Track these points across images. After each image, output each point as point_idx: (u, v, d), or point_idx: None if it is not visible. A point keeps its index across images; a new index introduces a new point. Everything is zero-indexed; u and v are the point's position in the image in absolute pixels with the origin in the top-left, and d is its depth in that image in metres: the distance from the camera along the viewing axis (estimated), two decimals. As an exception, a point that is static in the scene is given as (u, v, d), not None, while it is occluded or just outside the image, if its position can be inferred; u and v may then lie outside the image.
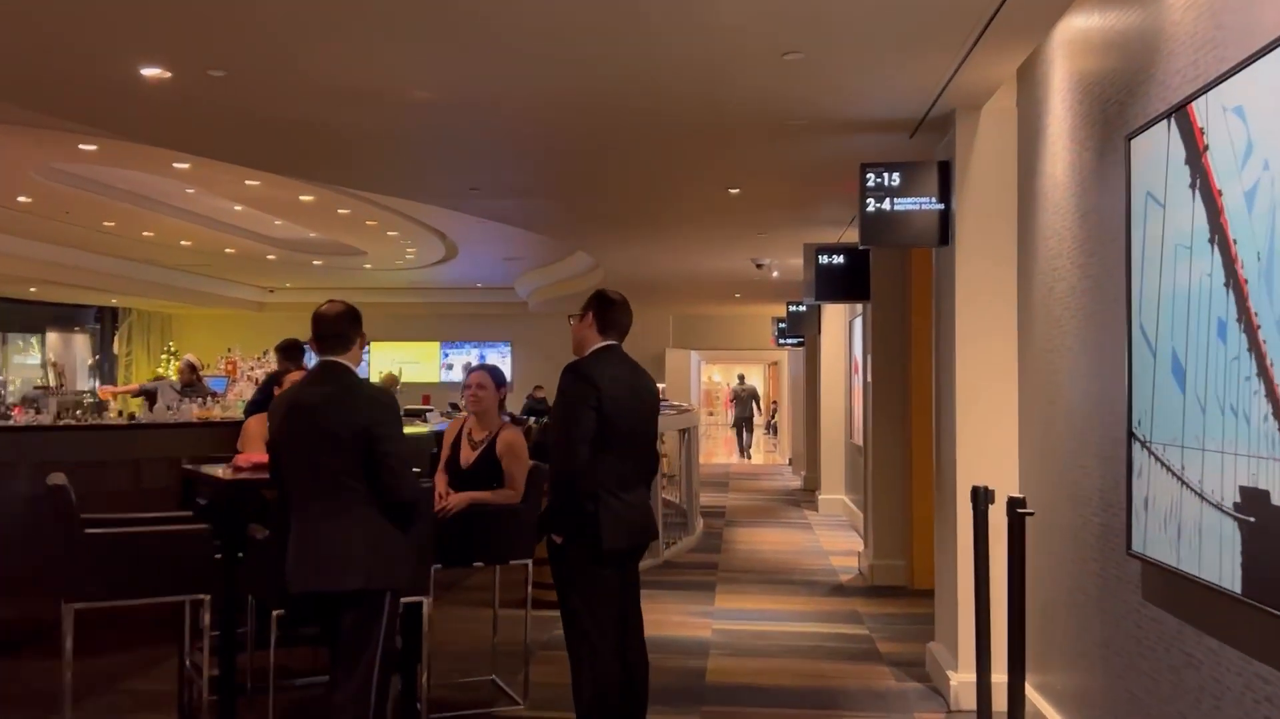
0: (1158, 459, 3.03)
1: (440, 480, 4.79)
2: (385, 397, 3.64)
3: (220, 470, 4.33)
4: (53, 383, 11.11)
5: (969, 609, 4.57)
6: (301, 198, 9.91)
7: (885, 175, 5.14)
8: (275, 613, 3.77)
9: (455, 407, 12.74)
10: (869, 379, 8.16)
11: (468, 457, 4.80)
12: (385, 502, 3.41)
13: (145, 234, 12.18)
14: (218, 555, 4.06)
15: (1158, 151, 3.02)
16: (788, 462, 20.16)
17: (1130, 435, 3.22)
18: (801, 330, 12.86)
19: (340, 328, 3.66)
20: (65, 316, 18.15)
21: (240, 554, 4.07)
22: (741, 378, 24.79)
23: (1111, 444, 3.52)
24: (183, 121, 5.15)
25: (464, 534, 4.68)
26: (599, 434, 3.62)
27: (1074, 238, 3.97)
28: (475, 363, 18.85)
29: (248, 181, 9.10)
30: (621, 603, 3.83)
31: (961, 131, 4.96)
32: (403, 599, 3.69)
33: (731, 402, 25.96)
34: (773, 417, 32.61)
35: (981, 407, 4.88)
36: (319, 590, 3.37)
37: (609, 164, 6.37)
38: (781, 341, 15.61)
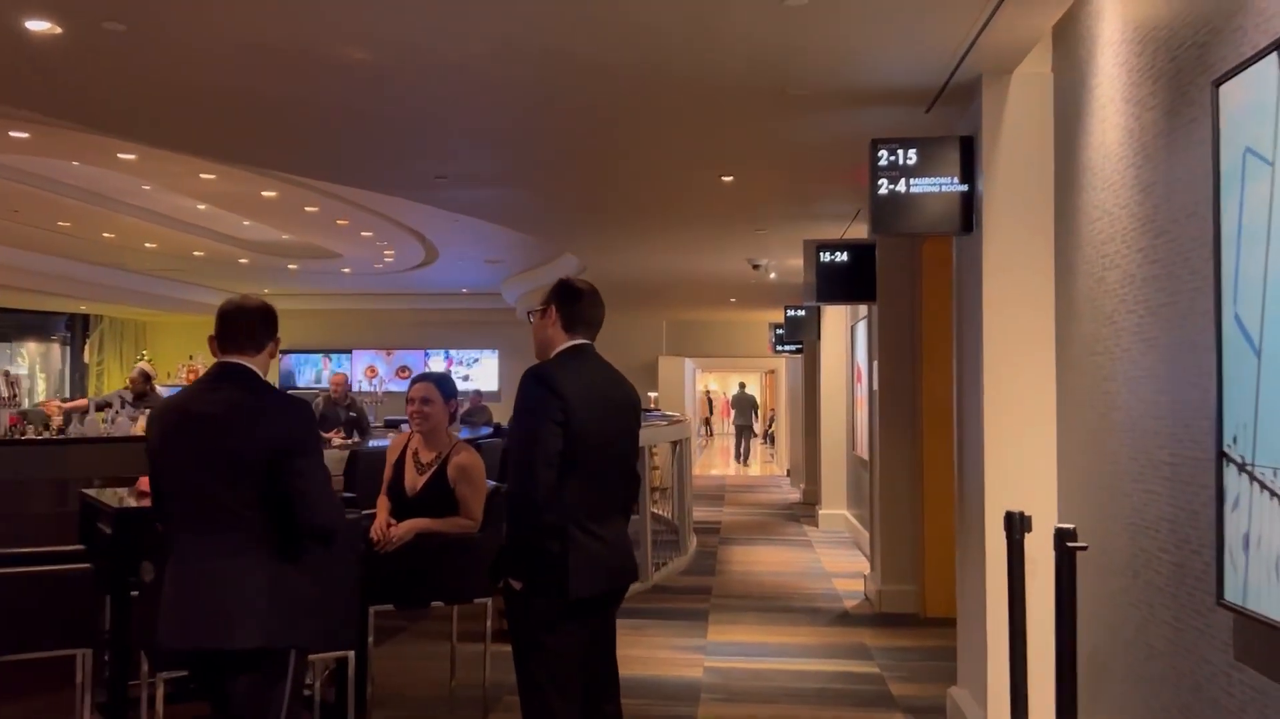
0: (1265, 487, 2.36)
1: (382, 508, 4.12)
2: (303, 407, 2.97)
3: (117, 495, 3.65)
4: (4, 393, 10.42)
5: (1000, 653, 3.91)
6: (264, 194, 9.24)
7: (900, 152, 4.48)
8: (161, 676, 3.09)
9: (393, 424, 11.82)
10: (875, 387, 7.51)
11: (414, 482, 4.13)
12: (300, 534, 2.75)
13: (105, 235, 11.51)
14: (112, 597, 3.39)
15: (1262, 95, 2.36)
16: (785, 473, 19.48)
17: (1221, 456, 2.55)
18: (800, 336, 12.20)
19: (252, 325, 2.98)
20: (35, 325, 17.46)
21: (134, 595, 3.40)
22: (742, 385, 24.96)
23: (1189, 466, 2.85)
24: (80, 88, 4.45)
25: (414, 570, 4.02)
26: (566, 455, 2.96)
27: (1132, 216, 3.31)
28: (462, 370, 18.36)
29: (203, 175, 8.43)
30: (592, 660, 3.14)
31: (989, 101, 4.30)
32: (327, 654, 3.02)
33: (731, 408, 26.46)
34: (770, 426, 31.97)
35: (1013, 418, 4.21)
36: (202, 648, 2.70)
37: (587, 144, 5.70)
38: (779, 348, 14.95)
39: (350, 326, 18.21)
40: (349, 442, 8.60)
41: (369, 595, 3.83)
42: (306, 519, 2.74)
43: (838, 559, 9.40)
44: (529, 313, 3.32)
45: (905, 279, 7.25)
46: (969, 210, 4.48)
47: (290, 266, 13.83)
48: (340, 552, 3.08)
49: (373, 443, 8.40)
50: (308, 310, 17.97)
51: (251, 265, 13.71)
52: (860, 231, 7.86)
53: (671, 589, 7.91)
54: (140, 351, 16.75)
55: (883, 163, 4.49)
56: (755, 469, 22.87)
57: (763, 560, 9.33)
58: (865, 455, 9.43)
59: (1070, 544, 3.25)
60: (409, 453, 4.20)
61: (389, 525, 3.96)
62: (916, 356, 7.12)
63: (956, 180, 4.47)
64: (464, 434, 13.41)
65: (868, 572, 7.77)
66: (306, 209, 10.23)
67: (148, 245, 12.20)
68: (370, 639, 3.96)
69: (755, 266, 9.86)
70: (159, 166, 8.04)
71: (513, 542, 3.03)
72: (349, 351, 18.23)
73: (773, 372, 29.58)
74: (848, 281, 7.45)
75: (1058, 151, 4.16)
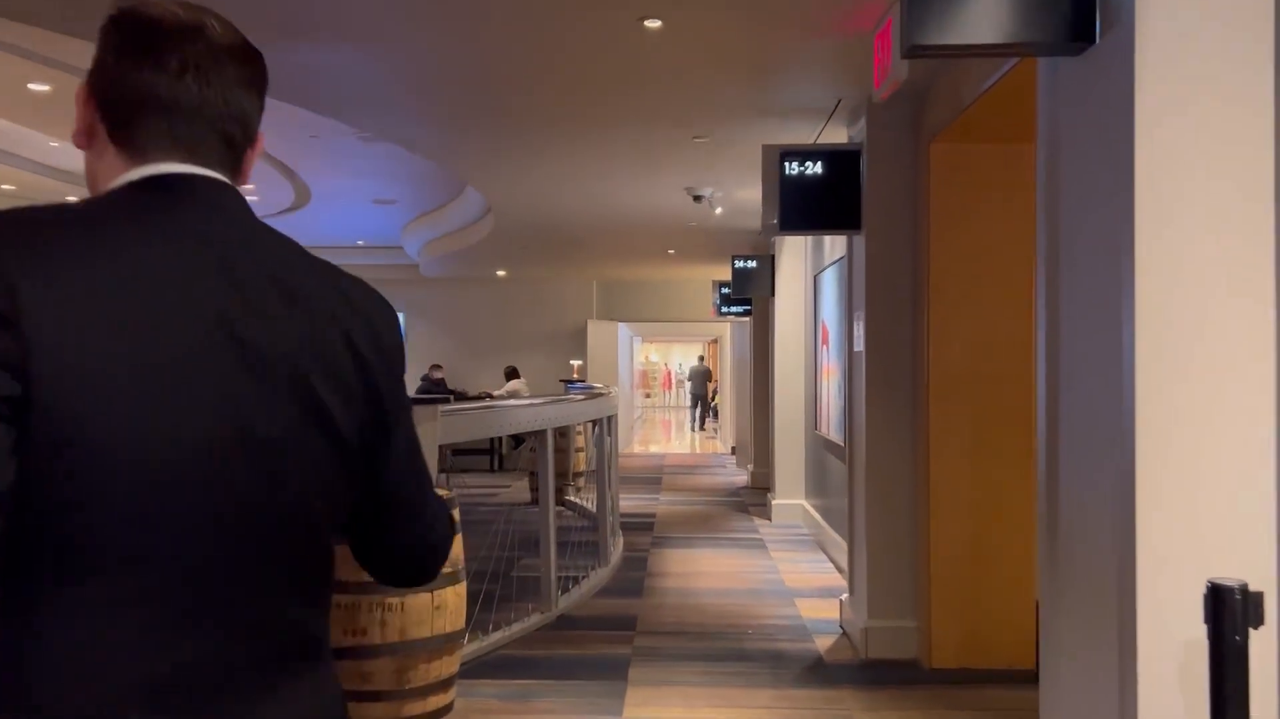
0: None
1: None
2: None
3: None
4: None
5: None
6: (31, 86, 6.93)
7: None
8: None
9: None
10: (857, 349, 5.50)
11: None
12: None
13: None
14: None
15: None
16: (730, 450, 17.57)
17: None
18: (750, 291, 10.17)
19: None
20: None
21: None
22: (701, 358, 27.66)
23: None
24: None
25: None
26: (33, 500, 0.88)
27: None
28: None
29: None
30: None
31: None
32: None
33: (688, 380, 29.15)
34: (712, 398, 30.18)
35: (1197, 409, 2.20)
36: None
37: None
38: (725, 310, 12.94)
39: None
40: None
41: None
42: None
43: (799, 568, 7.44)
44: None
45: (903, 199, 5.24)
46: (1085, 11, 2.45)
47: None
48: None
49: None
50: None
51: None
52: (839, 134, 5.82)
53: (582, 622, 5.86)
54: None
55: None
56: (698, 447, 20.96)
57: (705, 571, 7.32)
58: (834, 437, 7.45)
59: None
60: None
61: None
62: (920, 307, 5.12)
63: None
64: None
65: (845, 596, 5.79)
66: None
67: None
68: None
69: (697, 198, 7.78)
70: None
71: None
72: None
73: (716, 340, 27.68)
74: (822, 204, 5.43)
75: None
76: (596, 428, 7.59)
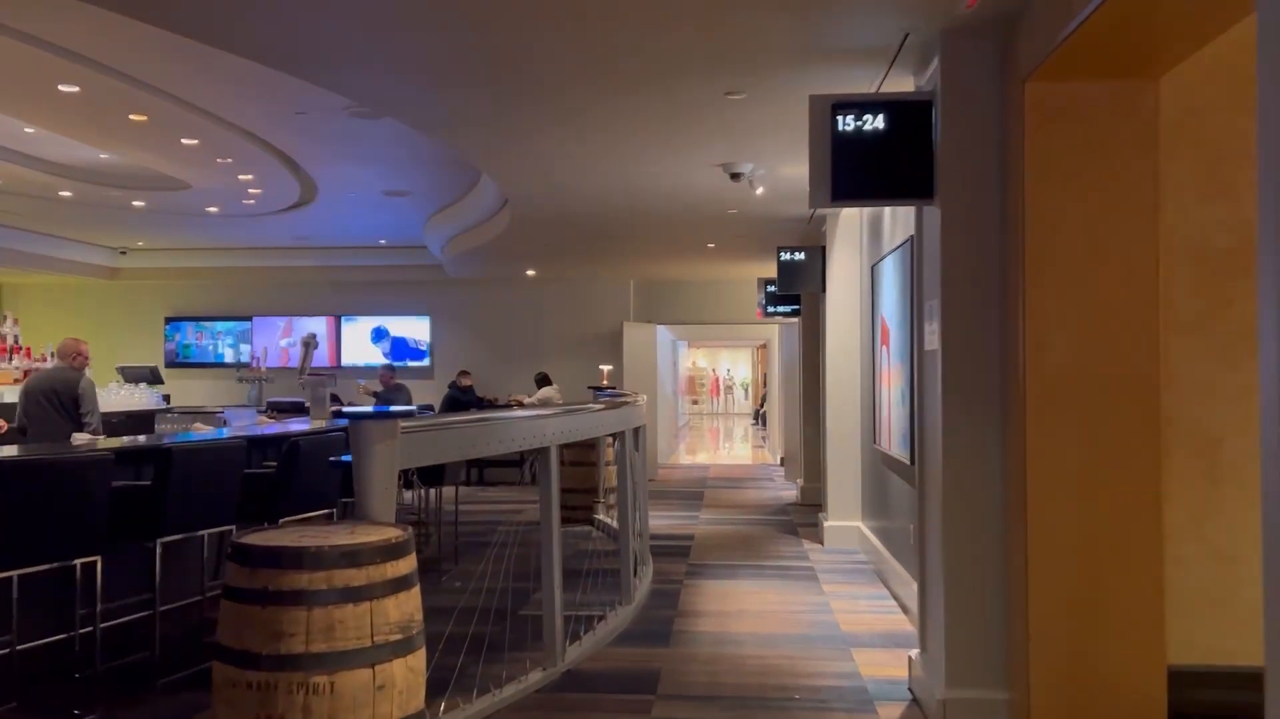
0: None
1: None
2: None
3: None
4: None
5: None
6: (62, 88, 6.18)
7: None
8: None
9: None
10: (929, 348, 4.43)
11: None
12: None
13: None
14: None
15: None
16: (778, 461, 16.45)
17: None
18: (798, 286, 9.09)
19: None
20: None
21: None
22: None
23: None
24: None
25: None
26: None
27: None
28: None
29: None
30: None
31: None
32: None
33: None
34: (761, 405, 29.10)
35: None
36: None
37: None
38: (771, 310, 11.85)
39: (250, 288, 15.04)
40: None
41: None
42: None
43: (856, 606, 6.35)
44: None
45: (989, 157, 4.16)
46: None
47: (135, 203, 10.65)
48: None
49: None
50: (192, 269, 14.81)
51: (80, 200, 10.52)
52: (904, 84, 4.76)
53: (592, 681, 4.84)
54: None
55: None
56: (746, 455, 19.85)
57: (747, 609, 6.26)
58: (898, 453, 6.37)
59: None
60: None
61: None
62: (1012, 293, 4.04)
63: None
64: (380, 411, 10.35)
65: (916, 652, 4.71)
66: (134, 117, 7.13)
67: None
68: None
69: (735, 176, 6.74)
70: None
71: None
72: (249, 319, 15.05)
73: (765, 345, 26.52)
74: (884, 167, 4.39)
75: None
76: (618, 442, 6.56)
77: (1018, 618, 3.97)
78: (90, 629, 4.55)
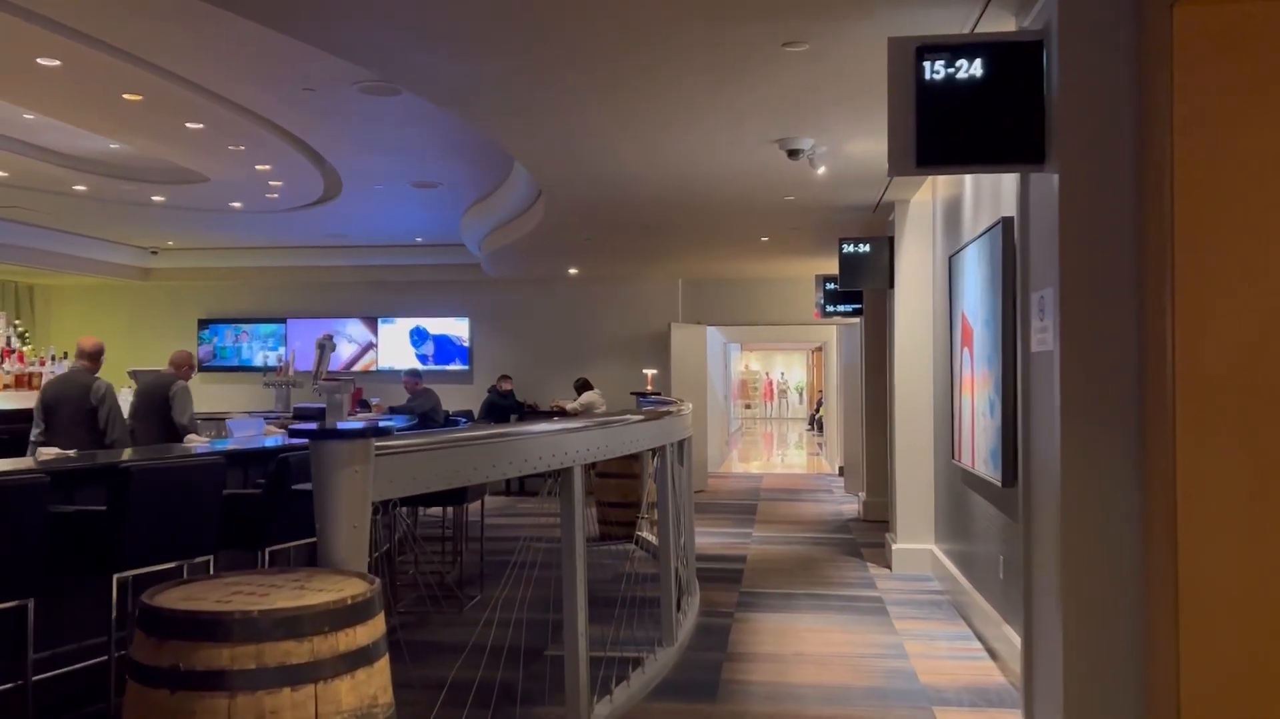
0: None
1: None
2: None
3: None
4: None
5: None
6: (41, 61, 5.57)
7: None
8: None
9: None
10: (1051, 347, 3.55)
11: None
12: None
13: None
14: None
15: None
16: (837, 470, 15.52)
17: None
18: (861, 283, 8.20)
19: None
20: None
21: None
22: None
23: None
24: None
25: None
26: None
27: None
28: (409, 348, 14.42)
29: None
30: None
31: None
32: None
33: None
34: (817, 410, 28.15)
35: None
36: None
37: None
38: (830, 310, 10.95)
39: (285, 289, 14.50)
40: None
41: None
42: None
43: (935, 648, 5.48)
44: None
45: (1121, 107, 3.28)
46: None
47: (155, 198, 10.09)
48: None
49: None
50: (225, 270, 14.30)
51: (97, 196, 9.98)
52: (1003, 21, 3.89)
53: (625, 749, 4.04)
54: (13, 323, 13.16)
55: None
56: (801, 462, 18.93)
57: (808, 652, 5.42)
58: (984, 472, 5.48)
59: None
60: None
61: None
62: (1156, 279, 3.16)
63: None
64: (396, 421, 9.64)
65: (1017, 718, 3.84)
66: (126, 96, 6.52)
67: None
68: None
69: (793, 153, 5.90)
70: None
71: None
72: (283, 321, 14.50)
73: (821, 348, 25.55)
74: (983, 124, 3.55)
75: None
76: (658, 458, 5.76)
77: (1163, 695, 3.09)
78: (50, 674, 3.86)
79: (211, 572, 4.47)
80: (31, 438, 6.08)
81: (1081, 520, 3.29)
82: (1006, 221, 5.00)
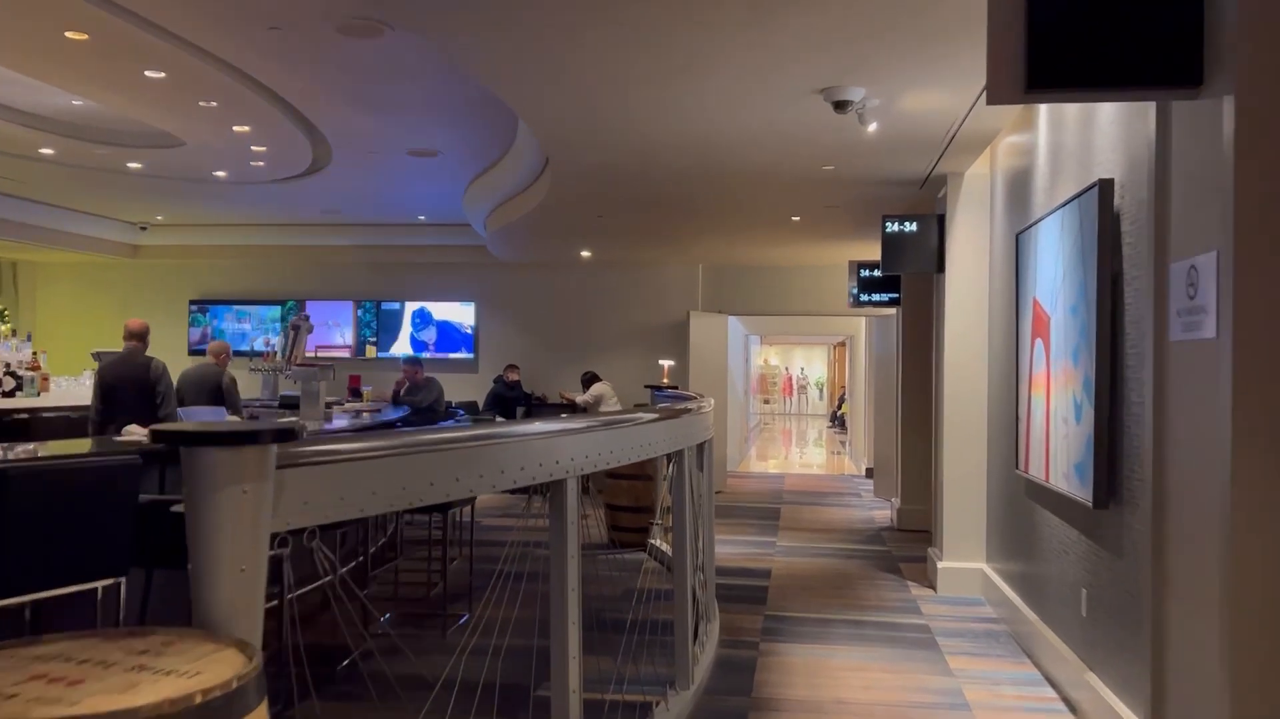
0: None
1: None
2: None
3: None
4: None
5: None
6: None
7: None
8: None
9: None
10: (1210, 333, 2.64)
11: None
12: None
13: None
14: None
15: None
16: (864, 472, 14.62)
17: None
18: (906, 266, 7.27)
19: None
20: None
21: None
22: None
23: None
24: None
25: None
26: None
27: None
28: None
29: None
30: None
31: None
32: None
33: None
34: (839, 407, 27.26)
35: None
36: None
37: None
38: (864, 299, 10.04)
39: (282, 269, 13.69)
40: None
41: None
42: None
43: (1000, 695, 4.58)
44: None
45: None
46: None
47: (131, 165, 9.27)
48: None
49: None
50: (218, 247, 13.49)
51: (67, 161, 9.16)
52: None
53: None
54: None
55: None
56: (823, 461, 18.02)
57: (848, 701, 4.52)
58: (1062, 485, 4.58)
59: None
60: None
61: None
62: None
63: None
64: (392, 414, 8.80)
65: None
66: (69, 35, 5.67)
67: None
68: None
69: (840, 106, 4.99)
70: None
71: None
72: (280, 303, 13.67)
73: (844, 342, 24.62)
74: (1114, 36, 2.66)
75: None
76: (674, 464, 4.88)
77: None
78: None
79: (121, 598, 3.63)
80: (91, 417, 6.31)
81: (1259, 562, 2.39)
82: (1104, 184, 4.09)
